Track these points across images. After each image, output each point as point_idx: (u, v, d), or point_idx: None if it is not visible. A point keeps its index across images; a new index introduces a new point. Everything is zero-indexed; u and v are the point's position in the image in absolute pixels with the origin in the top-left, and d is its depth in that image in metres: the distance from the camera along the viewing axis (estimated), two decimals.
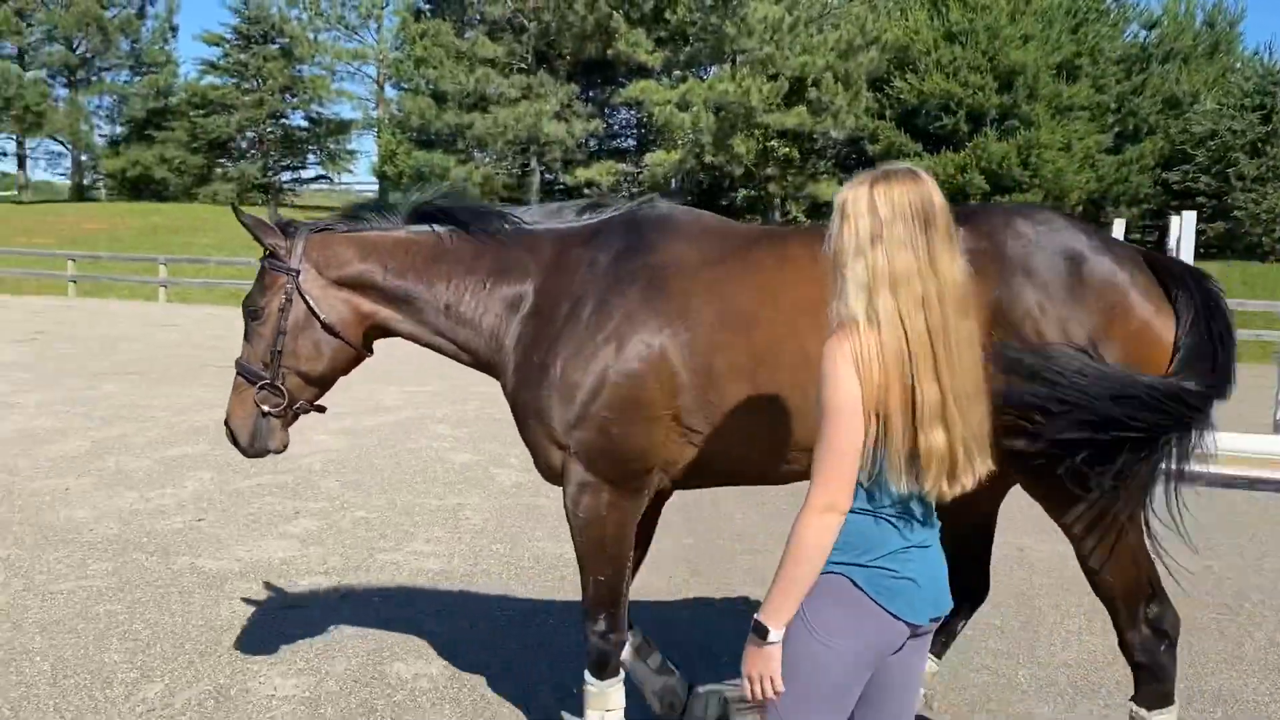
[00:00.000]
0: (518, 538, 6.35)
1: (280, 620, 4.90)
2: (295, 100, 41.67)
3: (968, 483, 2.16)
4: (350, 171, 45.84)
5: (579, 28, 34.46)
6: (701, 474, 3.35)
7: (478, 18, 37.77)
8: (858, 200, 2.12)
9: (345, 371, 3.65)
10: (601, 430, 3.19)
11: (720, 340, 3.13)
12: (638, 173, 37.67)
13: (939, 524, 2.29)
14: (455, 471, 8.04)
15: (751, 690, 2.21)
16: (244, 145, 42.60)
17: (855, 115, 32.51)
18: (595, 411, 3.18)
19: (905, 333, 2.05)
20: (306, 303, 3.46)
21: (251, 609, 5.03)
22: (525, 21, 36.36)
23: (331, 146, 43.75)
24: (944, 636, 3.80)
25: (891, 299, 2.06)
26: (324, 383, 3.61)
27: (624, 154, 41.01)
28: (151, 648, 4.53)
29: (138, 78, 44.23)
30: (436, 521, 6.65)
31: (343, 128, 43.71)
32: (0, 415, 9.64)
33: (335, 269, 3.50)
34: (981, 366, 2.19)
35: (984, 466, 2.18)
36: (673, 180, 37.23)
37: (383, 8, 44.15)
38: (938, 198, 2.11)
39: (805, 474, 3.02)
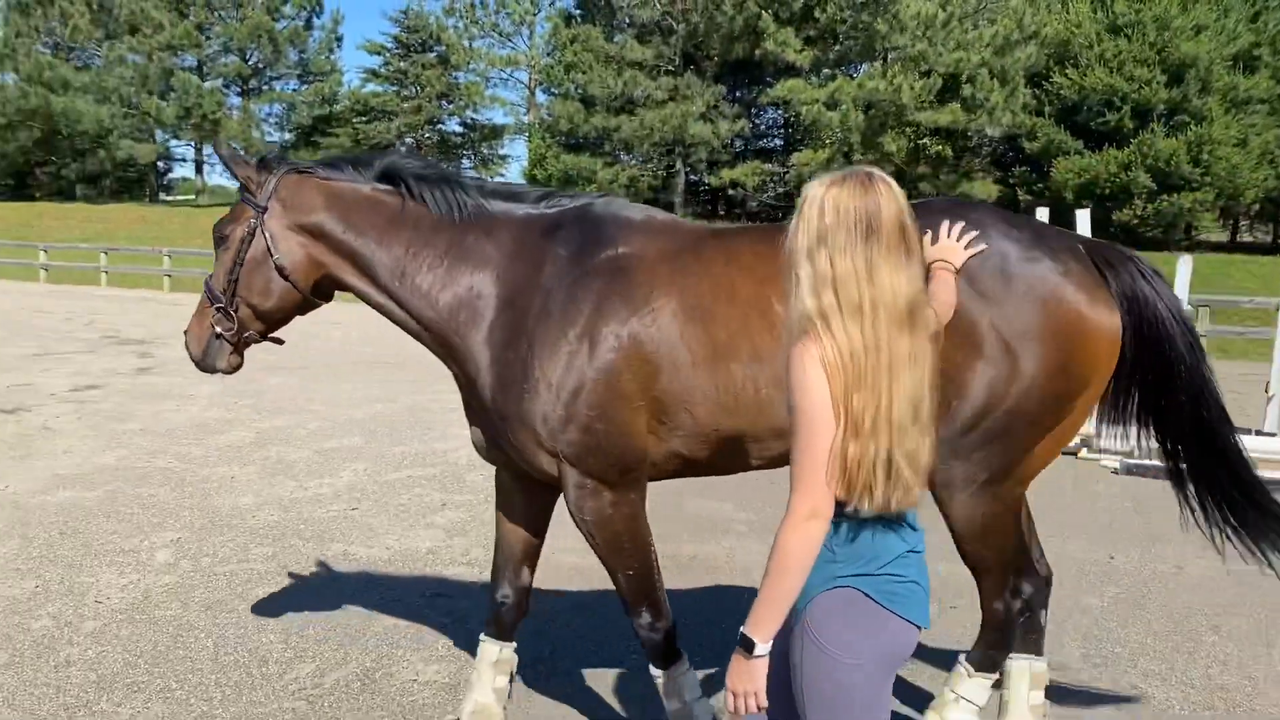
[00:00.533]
0: (658, 538, 6.36)
1: (425, 608, 5.07)
2: (451, 106, 43.01)
3: (903, 502, 2.12)
4: (502, 175, 46.93)
5: (727, 28, 34.47)
6: (664, 465, 3.36)
7: (626, 21, 38.20)
8: (813, 201, 2.12)
9: (294, 314, 3.67)
10: (589, 428, 3.19)
11: (682, 330, 3.18)
12: (784, 172, 37.39)
13: (922, 528, 2.27)
14: None
15: (735, 705, 2.16)
16: (403, 150, 44.24)
17: (1011, 112, 31.47)
18: (580, 410, 3.19)
19: (848, 344, 2.05)
20: (265, 240, 3.50)
21: (398, 596, 5.22)
22: (674, 24, 36.57)
23: (484, 151, 45.00)
24: (1034, 634, 3.67)
25: (837, 312, 2.06)
26: (271, 319, 3.63)
27: (770, 154, 40.78)
28: (304, 630, 4.74)
29: (305, 86, 46.53)
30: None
31: (495, 132, 44.91)
32: (177, 406, 10.29)
33: (298, 213, 3.51)
34: (926, 388, 2.12)
35: (905, 494, 2.11)
36: None
37: (535, 14, 45.17)
38: (888, 208, 2.07)
39: (761, 465, 3.28)
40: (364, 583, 5.41)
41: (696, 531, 6.50)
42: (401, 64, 42.37)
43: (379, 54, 43.13)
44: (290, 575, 5.49)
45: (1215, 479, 3.39)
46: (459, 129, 44.97)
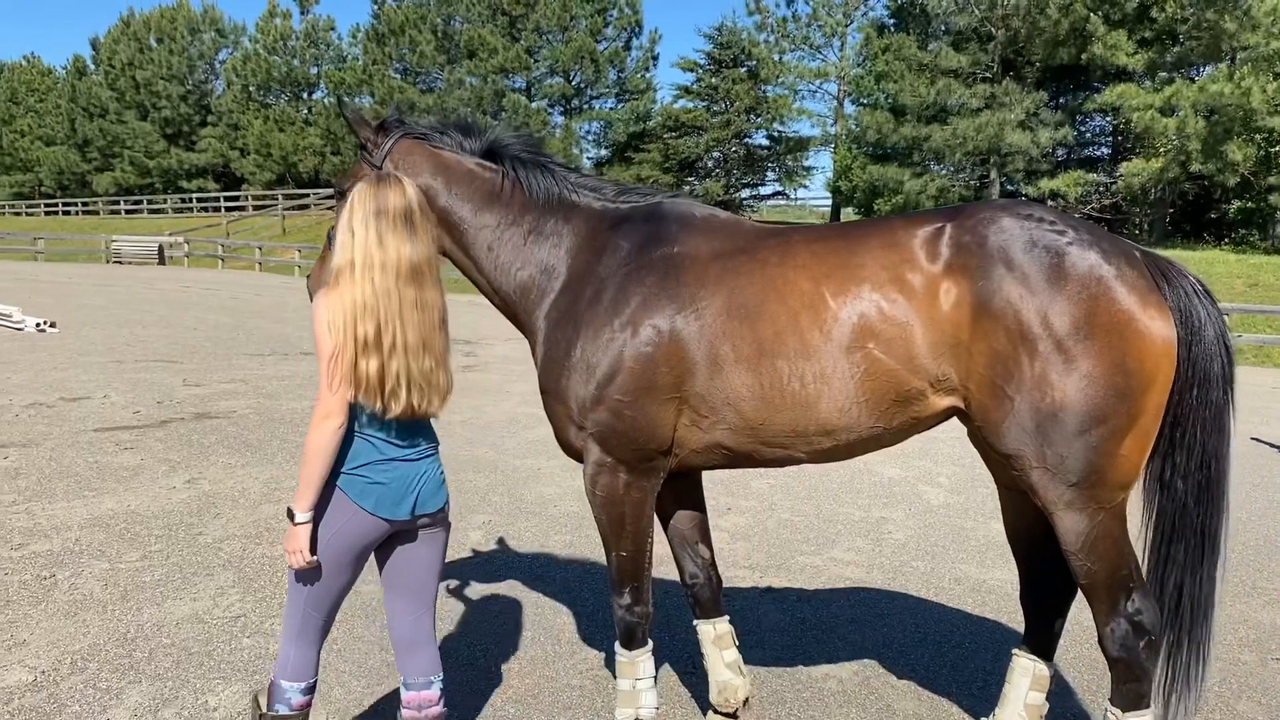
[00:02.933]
0: (940, 556, 6.26)
1: None
2: (759, 120, 43.47)
3: (408, 409, 2.94)
4: (805, 187, 46.92)
5: (1051, 32, 32.61)
6: (709, 456, 3.48)
7: (943, 29, 37.09)
8: (354, 192, 3.00)
9: None
10: (616, 412, 3.35)
11: (725, 329, 3.29)
12: (1111, 183, 34.92)
13: (432, 447, 3.12)
14: (882, 485, 8.07)
15: (291, 561, 2.97)
16: (710, 164, 45.25)
17: None
18: (611, 394, 3.34)
19: (360, 290, 2.88)
20: None
21: (678, 591, 5.46)
22: (993, 29, 35.11)
23: (789, 163, 45.15)
24: (1045, 636, 3.66)
25: (352, 266, 2.91)
26: None
27: (1095, 163, 38.17)
28: (595, 614, 5.09)
29: (621, 104, 48.69)
30: (859, 532, 6.74)
31: (801, 145, 44.91)
32: (496, 401, 11.20)
33: (409, 175, 3.62)
34: (435, 327, 2.99)
35: (428, 403, 2.99)
36: (1151, 191, 34.04)
37: (847, 26, 44.83)
38: (395, 198, 2.95)
39: (808, 459, 3.35)
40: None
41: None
42: (713, 80, 43.28)
43: (692, 70, 44.27)
44: (586, 563, 5.88)
45: (1180, 547, 3.30)
46: (765, 141, 45.37)
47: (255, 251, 39.27)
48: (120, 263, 40.91)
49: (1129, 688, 3.19)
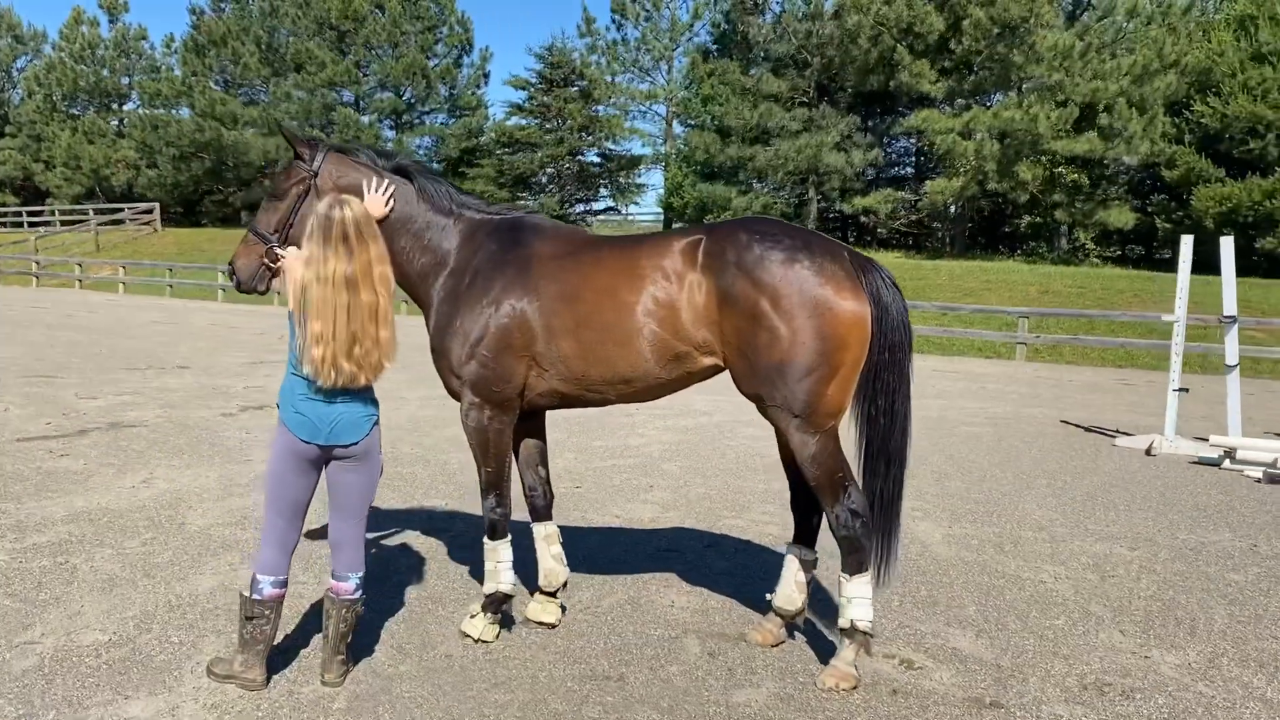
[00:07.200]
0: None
1: (664, 559, 6.25)
2: (591, 138, 44.69)
3: (353, 382, 4.01)
4: (637, 204, 48.45)
5: (862, 61, 35.25)
6: (550, 398, 4.70)
7: (763, 55, 39.36)
8: (313, 213, 4.03)
9: None
10: (483, 365, 4.58)
11: (556, 308, 4.51)
12: (916, 200, 37.85)
13: (351, 398, 4.12)
14: (774, 464, 9.20)
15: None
16: (544, 180, 46.18)
17: (1150, 140, 31.42)
18: (479, 352, 4.58)
19: (304, 288, 3.89)
20: (317, 196, 4.71)
21: (640, 549, 6.41)
22: (809, 57, 37.56)
23: (621, 180, 46.56)
24: (806, 528, 4.89)
25: (302, 267, 3.95)
26: None
27: (902, 182, 41.25)
28: (580, 568, 5.97)
29: (453, 120, 49.00)
30: (765, 499, 7.86)
31: (633, 163, 46.40)
32: (396, 407, 11.78)
33: (341, 179, 4.80)
34: (364, 323, 3.94)
35: (352, 380, 4.01)
36: (952, 207, 37.16)
37: (674, 50, 46.74)
38: (337, 225, 3.92)
39: (617, 400, 4.70)
40: (608, 538, 6.64)
41: None
42: (545, 98, 44.23)
43: (524, 88, 45.08)
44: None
45: (877, 463, 4.62)
46: (598, 159, 46.63)
47: (75, 268, 37.57)
48: None
49: (853, 558, 4.42)
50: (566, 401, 4.78)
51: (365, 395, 4.21)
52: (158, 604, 5.18)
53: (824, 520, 4.65)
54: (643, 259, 4.49)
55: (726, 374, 4.53)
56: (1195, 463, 9.98)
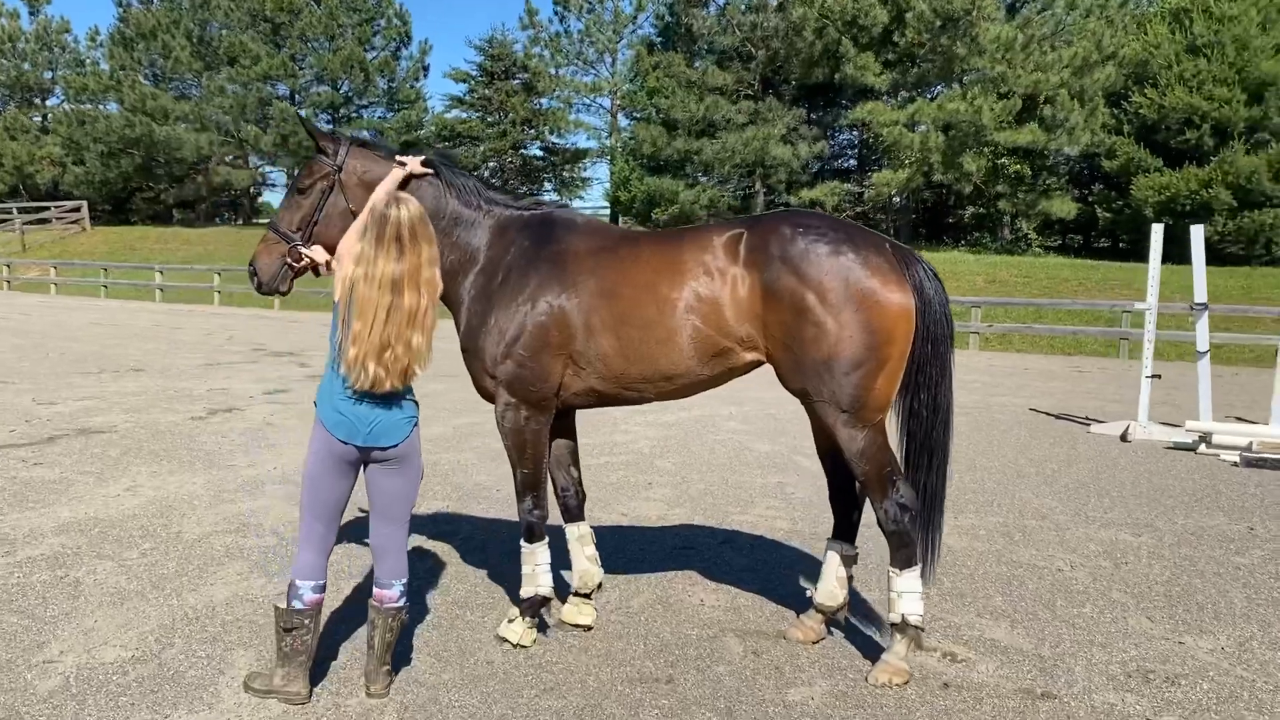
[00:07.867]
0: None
1: (682, 557, 6.18)
2: (534, 131, 44.35)
3: (377, 386, 3.82)
4: (582, 198, 48.23)
5: (807, 53, 35.38)
6: (585, 397, 4.61)
7: (707, 48, 39.37)
8: (368, 209, 3.96)
9: None
10: (520, 364, 4.46)
11: (596, 305, 4.41)
12: (861, 192, 38.18)
13: (396, 397, 3.94)
14: (764, 457, 9.22)
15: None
16: (486, 174, 45.77)
17: (1091, 131, 32.03)
18: (515, 351, 4.46)
19: (351, 285, 3.76)
20: (343, 192, 4.65)
21: (656, 547, 6.33)
22: (754, 50, 37.66)
23: (566, 174, 46.32)
24: (846, 524, 4.88)
25: (353, 265, 3.78)
26: (331, 253, 4.65)
27: (847, 174, 41.60)
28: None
29: (392, 114, 48.28)
30: (768, 494, 7.83)
31: (578, 156, 46.18)
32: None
33: (365, 172, 4.66)
34: (400, 327, 3.77)
35: (382, 385, 3.82)
36: (898, 198, 37.55)
37: (618, 43, 46.54)
38: (390, 226, 3.76)
39: (655, 399, 4.63)
40: (625, 537, 6.54)
41: None
42: (486, 91, 43.83)
43: (464, 81, 44.64)
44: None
45: (920, 456, 4.57)
46: (541, 153, 46.30)
47: (4, 269, 36.32)
48: None
49: (902, 553, 4.39)
50: (603, 400, 4.68)
51: (406, 397, 4.06)
52: (174, 617, 4.98)
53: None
54: (684, 254, 4.41)
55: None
56: (1170, 448, 10.17)
